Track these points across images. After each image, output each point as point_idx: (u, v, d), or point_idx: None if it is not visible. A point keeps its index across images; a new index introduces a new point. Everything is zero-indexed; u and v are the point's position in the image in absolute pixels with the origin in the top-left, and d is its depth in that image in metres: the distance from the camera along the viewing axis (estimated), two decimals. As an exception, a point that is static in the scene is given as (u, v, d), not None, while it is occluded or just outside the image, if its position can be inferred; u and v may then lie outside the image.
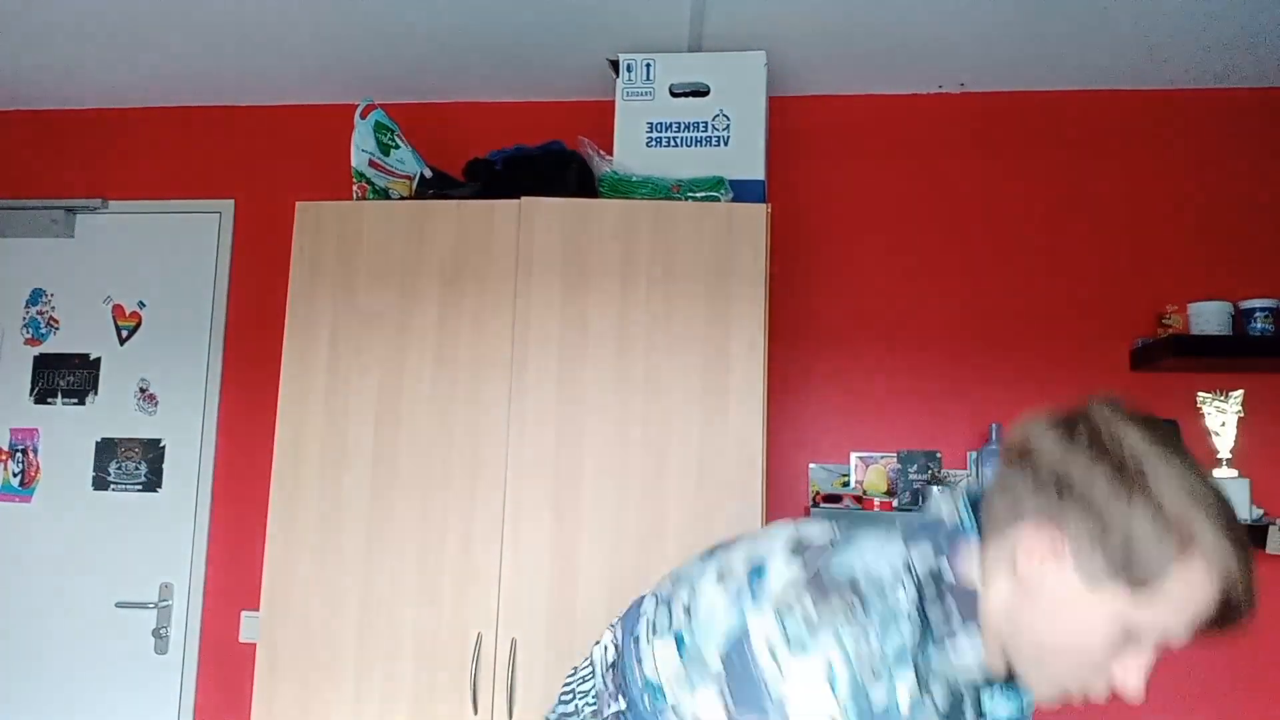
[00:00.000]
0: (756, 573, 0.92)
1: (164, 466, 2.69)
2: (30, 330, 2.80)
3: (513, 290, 2.05)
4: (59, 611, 2.67)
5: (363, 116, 2.18)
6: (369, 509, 2.03)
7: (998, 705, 0.92)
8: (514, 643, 1.95)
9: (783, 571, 0.90)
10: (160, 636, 2.62)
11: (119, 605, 2.65)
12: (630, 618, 1.07)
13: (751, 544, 1.00)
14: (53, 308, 2.80)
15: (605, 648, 1.09)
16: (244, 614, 2.60)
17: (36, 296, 2.81)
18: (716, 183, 2.09)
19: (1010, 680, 0.93)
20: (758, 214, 2.02)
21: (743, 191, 2.12)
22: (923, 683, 0.84)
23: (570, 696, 1.11)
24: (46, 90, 2.75)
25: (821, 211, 2.54)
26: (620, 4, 2.14)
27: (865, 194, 2.53)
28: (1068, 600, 0.83)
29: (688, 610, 0.96)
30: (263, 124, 2.79)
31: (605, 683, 1.05)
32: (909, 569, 0.88)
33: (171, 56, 2.50)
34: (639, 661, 0.99)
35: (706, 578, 0.98)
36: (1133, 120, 2.47)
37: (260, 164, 2.77)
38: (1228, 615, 0.80)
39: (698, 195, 2.08)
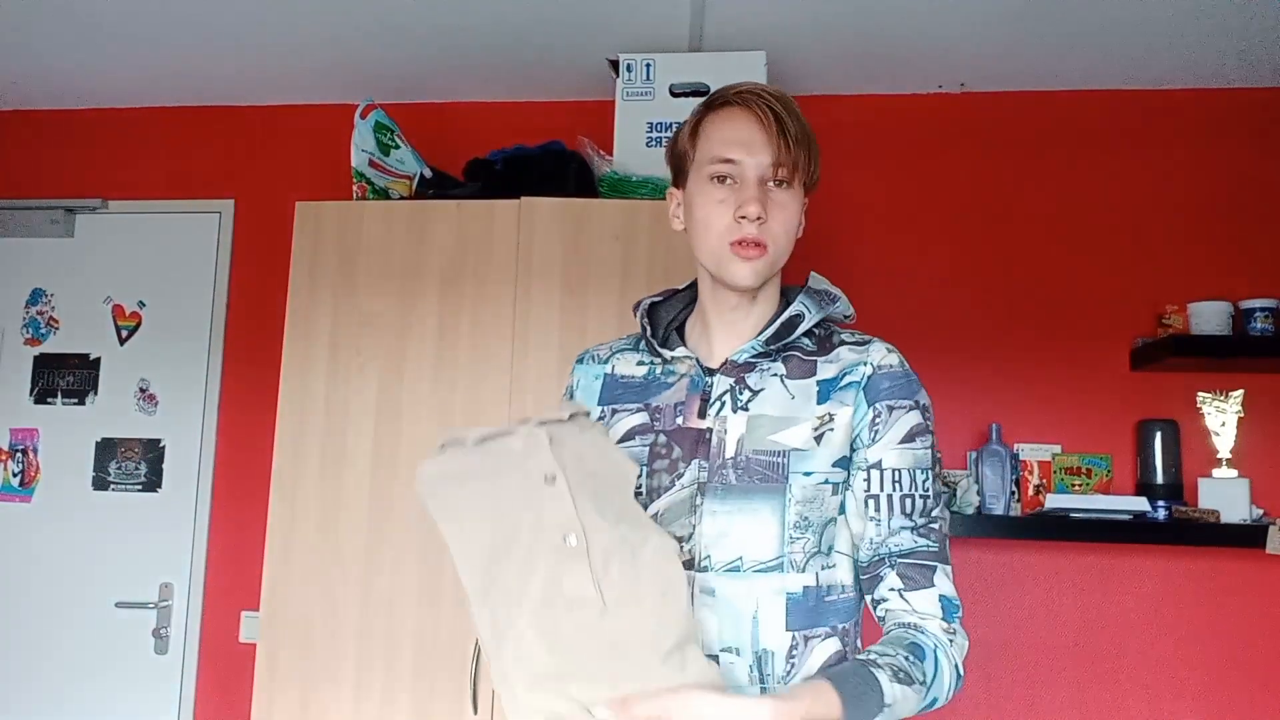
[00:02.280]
0: None
1: (164, 466, 2.69)
2: (30, 330, 2.80)
3: (513, 290, 2.05)
4: (59, 611, 2.67)
5: (363, 116, 2.18)
6: (369, 509, 2.03)
7: (752, 352, 1.17)
8: (514, 643, 1.95)
9: None
10: (160, 636, 2.62)
11: (119, 605, 2.64)
12: None
13: None
14: (53, 308, 2.80)
15: None
16: (244, 614, 2.60)
17: (36, 296, 2.81)
18: (716, 183, 2.08)
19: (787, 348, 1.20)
20: (758, 214, 2.01)
21: (743, 191, 2.12)
22: (653, 351, 1.23)
23: None
24: (46, 90, 2.75)
25: (821, 211, 2.54)
26: (620, 4, 2.14)
27: (865, 194, 2.53)
28: (687, 204, 1.18)
29: None
30: (263, 124, 2.79)
31: None
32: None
33: (171, 56, 2.50)
34: None
35: None
36: (1133, 120, 2.47)
37: (260, 164, 2.77)
38: (758, 119, 1.12)
39: (698, 195, 2.07)
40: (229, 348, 2.71)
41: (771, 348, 1.16)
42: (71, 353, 2.77)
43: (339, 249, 2.11)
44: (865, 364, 1.15)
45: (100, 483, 2.71)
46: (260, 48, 2.43)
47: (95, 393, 2.75)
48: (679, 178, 1.20)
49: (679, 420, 1.14)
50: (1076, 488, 2.31)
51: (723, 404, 1.14)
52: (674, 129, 2.21)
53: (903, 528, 1.11)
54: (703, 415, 1.14)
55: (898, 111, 2.55)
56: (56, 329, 2.79)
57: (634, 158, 2.18)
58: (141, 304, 2.77)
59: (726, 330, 1.19)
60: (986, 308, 2.45)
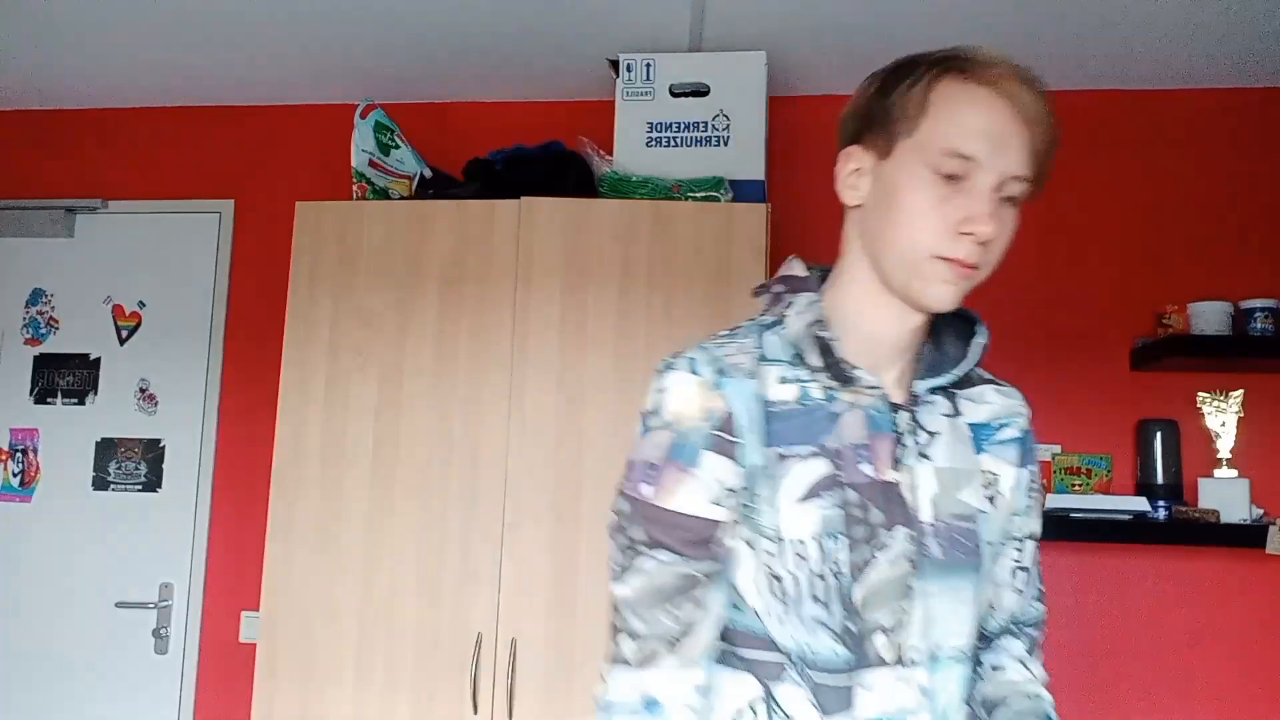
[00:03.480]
0: None
1: (164, 466, 2.69)
2: (30, 330, 2.80)
3: (513, 290, 2.05)
4: (59, 611, 2.67)
5: (363, 116, 2.18)
6: (369, 509, 2.03)
7: (932, 381, 0.94)
8: (514, 643, 1.95)
9: None
10: (160, 636, 2.62)
11: (119, 605, 2.64)
12: None
13: None
14: (53, 308, 2.80)
15: None
16: (244, 614, 2.60)
17: (36, 296, 2.81)
18: (716, 183, 2.08)
19: (936, 365, 0.97)
20: (758, 214, 2.02)
21: (743, 191, 2.12)
22: (810, 366, 0.91)
23: None
24: (46, 90, 2.75)
25: (821, 211, 2.54)
26: (620, 4, 2.14)
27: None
28: (882, 182, 0.89)
29: None
30: (263, 124, 2.79)
31: None
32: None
33: (171, 56, 2.50)
34: None
35: None
36: (1133, 120, 2.47)
37: (260, 164, 2.77)
38: (1014, 113, 0.86)
39: (698, 195, 2.08)
40: (229, 348, 2.71)
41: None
42: (71, 353, 2.77)
43: (339, 249, 2.11)
44: (1022, 416, 1.00)
45: (100, 483, 2.71)
46: (260, 48, 2.43)
47: (95, 393, 2.75)
48: (871, 137, 0.90)
49: (866, 469, 0.87)
50: (1077, 488, 2.31)
51: (905, 449, 0.90)
52: (674, 128, 2.23)
53: (1036, 597, 1.04)
54: (895, 465, 0.89)
55: (898, 111, 2.55)
56: (56, 329, 2.79)
57: (634, 158, 2.18)
58: (141, 304, 2.77)
59: (897, 352, 0.94)
60: (986, 308, 2.44)
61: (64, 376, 2.76)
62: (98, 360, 2.76)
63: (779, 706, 0.86)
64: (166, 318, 2.75)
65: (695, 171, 2.14)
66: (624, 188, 2.13)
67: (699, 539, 0.86)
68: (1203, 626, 2.28)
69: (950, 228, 0.84)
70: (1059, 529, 2.17)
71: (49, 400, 2.76)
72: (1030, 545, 1.02)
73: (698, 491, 0.86)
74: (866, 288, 0.92)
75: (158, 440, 2.71)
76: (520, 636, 1.95)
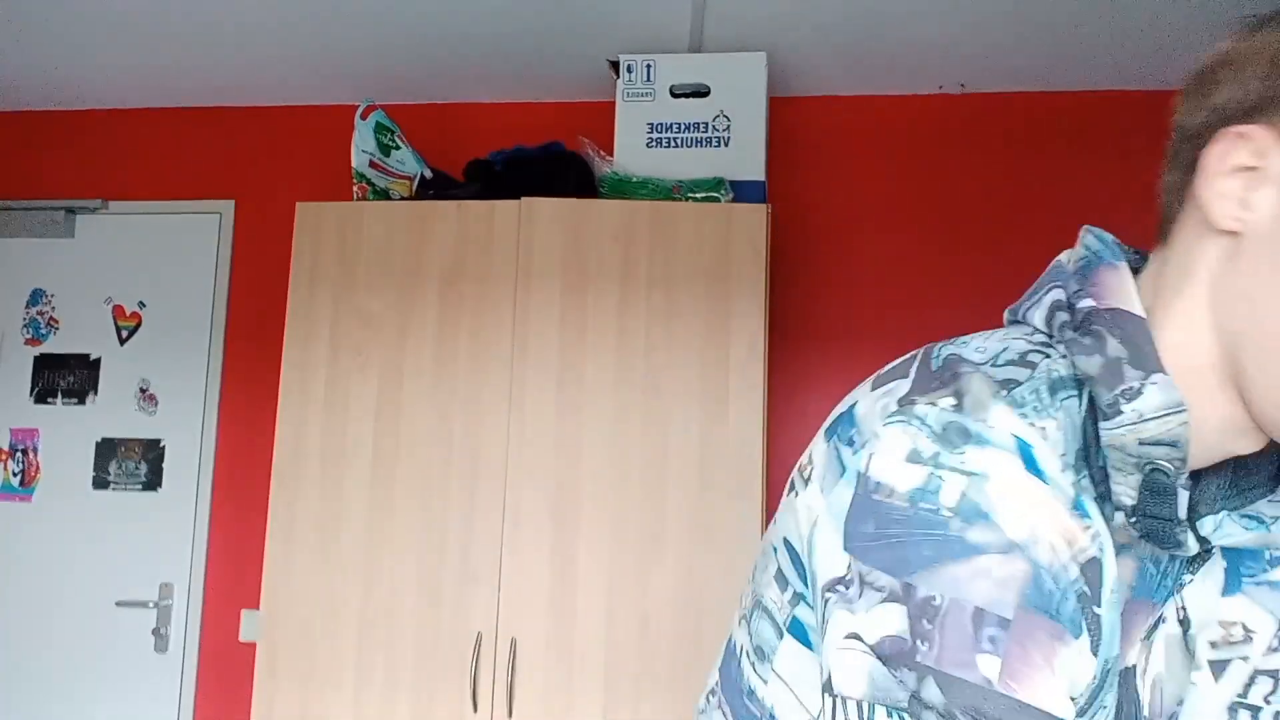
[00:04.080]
0: (839, 434, 0.57)
1: (164, 466, 2.69)
2: (30, 330, 2.80)
3: (513, 290, 2.05)
4: (59, 611, 2.67)
5: (363, 117, 2.18)
6: (369, 509, 2.03)
7: (1227, 527, 0.57)
8: (514, 643, 1.95)
9: (872, 404, 0.56)
10: (160, 636, 2.62)
11: (119, 605, 2.65)
12: (727, 663, 0.70)
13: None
14: (53, 308, 2.80)
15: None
16: (244, 614, 2.60)
17: (36, 297, 2.81)
18: (717, 183, 2.09)
19: (1244, 488, 0.60)
20: (758, 214, 2.02)
21: (743, 192, 2.12)
22: (1094, 480, 0.54)
23: None
24: (46, 90, 2.75)
25: (821, 211, 2.54)
26: (620, 4, 2.14)
27: (865, 194, 2.53)
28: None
29: (766, 577, 0.64)
30: (263, 124, 2.79)
31: None
32: (1035, 335, 0.58)
33: (171, 56, 2.50)
34: (749, 695, 0.65)
35: (770, 532, 0.65)
36: (1133, 120, 2.47)
37: (260, 164, 2.77)
38: None
39: (698, 196, 2.08)
40: (229, 348, 2.71)
41: None
42: (71, 353, 2.77)
43: (339, 249, 2.12)
44: None
45: (100, 482, 2.71)
46: (260, 48, 2.43)
47: (95, 393, 2.75)
48: None
49: (1115, 644, 0.54)
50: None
51: (1164, 620, 0.60)
52: (674, 129, 2.23)
53: None
54: (1145, 637, 0.59)
55: (898, 111, 2.55)
56: (56, 329, 2.79)
57: (634, 158, 2.18)
58: (141, 304, 2.77)
59: (1212, 485, 0.60)
60: (986, 308, 2.45)
61: (64, 376, 2.77)
62: (98, 360, 2.76)
63: None
64: (166, 318, 2.75)
65: (695, 172, 2.14)
66: (624, 188, 2.13)
67: None
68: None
69: None
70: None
71: (49, 400, 2.76)
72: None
73: (1070, 674, 0.49)
74: (1204, 380, 0.54)
75: (158, 440, 2.71)
76: (520, 636, 1.95)
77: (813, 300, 2.49)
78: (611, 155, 2.20)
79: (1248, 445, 0.56)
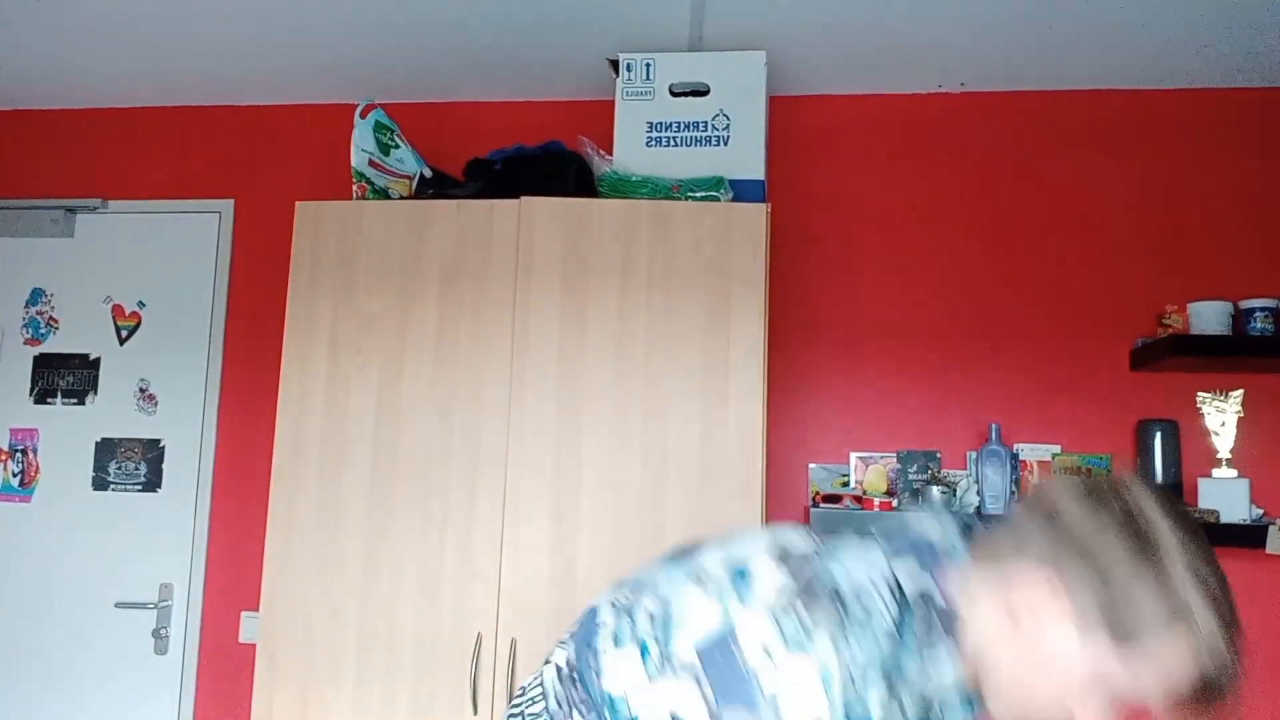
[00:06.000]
0: (739, 575, 0.93)
1: (164, 466, 2.69)
2: (30, 330, 2.80)
3: (513, 290, 2.05)
4: (59, 611, 2.67)
5: (363, 116, 2.18)
6: (369, 509, 2.03)
7: (952, 714, 0.93)
8: (514, 643, 1.95)
9: (771, 576, 0.90)
10: (160, 636, 2.62)
11: (119, 605, 2.65)
12: (585, 629, 1.04)
13: (725, 548, 1.00)
14: (53, 308, 2.80)
15: (557, 668, 1.06)
16: (244, 614, 2.60)
17: (36, 296, 2.81)
18: (716, 182, 2.09)
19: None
20: (758, 214, 2.02)
21: (743, 191, 2.12)
22: (894, 693, 0.86)
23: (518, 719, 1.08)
24: (46, 90, 2.75)
25: (821, 211, 2.54)
26: (620, 4, 2.14)
27: (865, 194, 2.53)
28: (1056, 642, 0.85)
29: (653, 617, 0.95)
30: (263, 124, 2.79)
31: (560, 703, 1.02)
32: (893, 585, 0.90)
33: (171, 56, 2.50)
34: (598, 675, 0.98)
35: (679, 582, 0.97)
36: (1133, 120, 2.47)
37: (260, 164, 2.77)
38: (1206, 696, 0.83)
39: (698, 195, 2.08)
40: (229, 348, 2.71)
41: None
42: (71, 353, 2.77)
43: (339, 249, 2.11)
44: None
45: (100, 483, 2.71)
46: (260, 48, 2.43)
47: (95, 393, 2.75)
48: (1077, 592, 0.85)
49: None
50: (1076, 488, 2.31)
51: None
52: (674, 128, 2.23)
53: None
54: None
55: (898, 111, 2.55)
56: (56, 329, 2.79)
57: (634, 158, 2.18)
58: (141, 304, 2.77)
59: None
60: (986, 307, 2.45)
61: (64, 376, 2.76)
62: (98, 360, 2.76)
63: None
64: (166, 318, 2.75)
65: (695, 171, 2.14)
66: (624, 187, 2.13)
67: None
68: (1203, 626, 2.28)
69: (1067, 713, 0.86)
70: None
71: (49, 400, 2.76)
72: None
73: None
74: (963, 671, 0.91)
75: (158, 440, 2.71)
76: (520, 636, 1.95)
77: (812, 299, 2.49)
78: (611, 154, 2.20)
79: None
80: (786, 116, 2.56)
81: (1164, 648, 0.82)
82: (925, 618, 0.89)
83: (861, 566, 0.91)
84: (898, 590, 0.89)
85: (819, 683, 0.83)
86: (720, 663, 0.86)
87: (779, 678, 0.83)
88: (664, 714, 0.87)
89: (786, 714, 0.82)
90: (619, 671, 0.95)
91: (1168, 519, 0.86)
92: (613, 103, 2.24)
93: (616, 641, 0.98)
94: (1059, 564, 0.86)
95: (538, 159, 2.19)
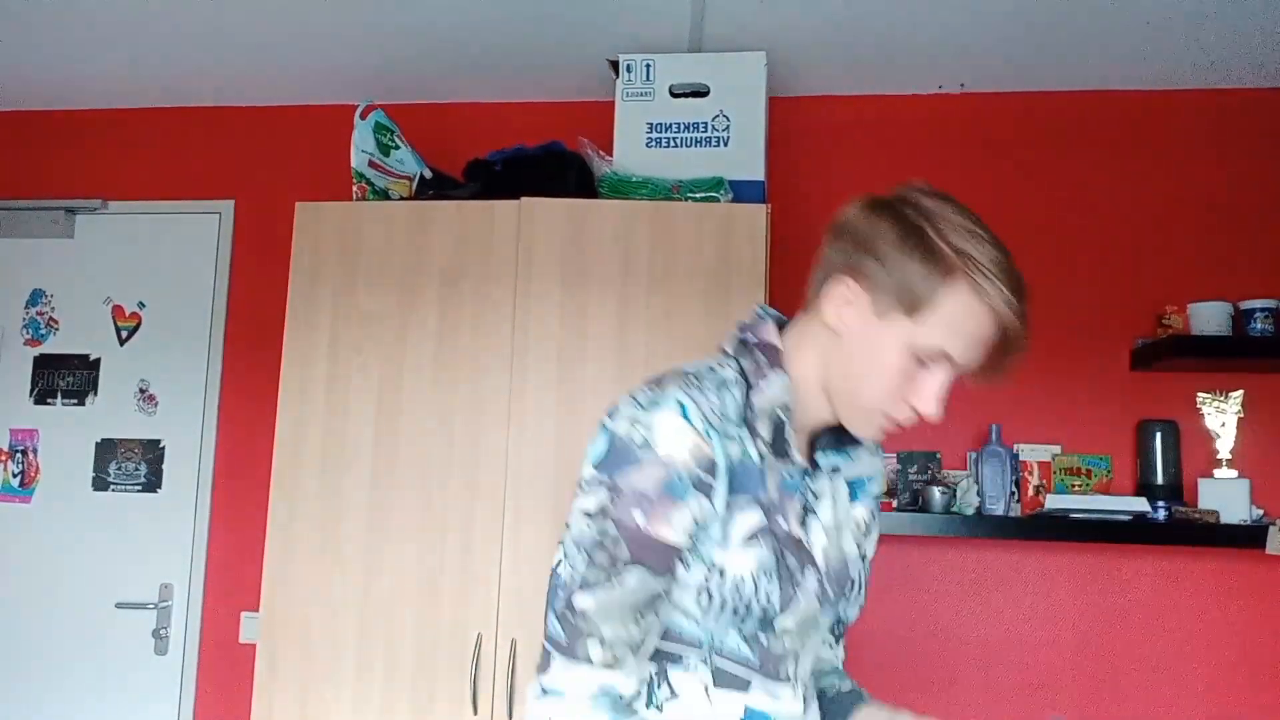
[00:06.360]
0: (607, 413, 1.06)
1: (164, 467, 2.69)
2: (30, 331, 2.80)
3: (513, 290, 2.05)
4: (59, 611, 2.67)
5: (362, 117, 2.18)
6: (369, 509, 2.03)
7: (831, 458, 1.10)
8: (514, 643, 1.95)
9: (625, 396, 1.03)
10: (160, 637, 2.62)
11: (119, 605, 2.64)
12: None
13: None
14: (53, 308, 2.80)
15: None
16: (244, 614, 2.60)
17: (36, 297, 2.81)
18: (716, 183, 2.08)
19: (844, 440, 1.10)
20: (758, 214, 2.02)
21: (743, 192, 2.12)
22: (752, 430, 1.01)
23: None
24: (46, 90, 2.75)
25: (821, 211, 2.53)
26: (620, 4, 2.14)
27: (865, 194, 2.53)
28: (866, 332, 0.98)
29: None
30: (263, 124, 2.79)
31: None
32: (722, 352, 1.08)
33: (171, 56, 2.50)
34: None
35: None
36: (1133, 120, 2.47)
37: (260, 164, 2.77)
38: (1004, 339, 0.95)
39: (697, 195, 2.08)
40: (229, 348, 2.71)
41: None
42: (71, 353, 2.77)
43: (339, 249, 2.11)
44: (882, 471, 1.19)
45: (100, 483, 2.71)
46: (260, 48, 2.43)
47: (95, 393, 2.75)
48: (871, 287, 0.97)
49: (781, 523, 1.01)
50: (1076, 488, 2.31)
51: (811, 511, 1.06)
52: (674, 129, 2.23)
53: (863, 603, 1.19)
54: (801, 522, 1.04)
55: (898, 111, 2.55)
56: (56, 329, 2.79)
57: (634, 158, 2.18)
58: (141, 304, 2.77)
59: (811, 432, 1.08)
60: (986, 308, 2.45)
61: (64, 377, 2.76)
62: (98, 361, 2.76)
63: (669, 682, 1.01)
64: (166, 318, 2.75)
65: (695, 172, 2.14)
66: (624, 188, 2.13)
67: (669, 561, 0.96)
68: (1202, 627, 2.28)
69: (903, 397, 0.98)
70: (1059, 529, 2.17)
71: (49, 401, 2.76)
72: (866, 564, 1.18)
73: (680, 524, 0.95)
74: (813, 388, 1.04)
75: (158, 440, 2.71)
76: (520, 637, 1.95)
77: (813, 300, 2.48)
78: (611, 155, 2.20)
79: (856, 434, 1.05)
80: (786, 117, 2.56)
81: (950, 304, 0.94)
82: (751, 357, 1.04)
83: (696, 360, 1.07)
84: (727, 354, 1.06)
85: (680, 419, 0.95)
86: (605, 454, 0.97)
87: (647, 430, 0.95)
88: (579, 517, 0.97)
89: (662, 448, 0.94)
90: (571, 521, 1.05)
91: (932, 197, 0.97)
92: (613, 103, 2.24)
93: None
94: (850, 269, 0.99)
95: (538, 160, 2.18)
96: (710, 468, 0.96)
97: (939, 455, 2.36)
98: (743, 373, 1.03)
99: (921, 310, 0.94)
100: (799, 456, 1.03)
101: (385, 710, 1.97)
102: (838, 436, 1.09)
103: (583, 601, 0.95)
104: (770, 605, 0.99)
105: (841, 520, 1.09)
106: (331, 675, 1.99)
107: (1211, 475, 2.25)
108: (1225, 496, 2.19)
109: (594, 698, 0.94)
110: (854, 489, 1.13)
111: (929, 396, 0.98)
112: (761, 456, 1.01)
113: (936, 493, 2.24)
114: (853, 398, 1.00)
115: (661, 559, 0.95)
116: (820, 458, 1.08)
